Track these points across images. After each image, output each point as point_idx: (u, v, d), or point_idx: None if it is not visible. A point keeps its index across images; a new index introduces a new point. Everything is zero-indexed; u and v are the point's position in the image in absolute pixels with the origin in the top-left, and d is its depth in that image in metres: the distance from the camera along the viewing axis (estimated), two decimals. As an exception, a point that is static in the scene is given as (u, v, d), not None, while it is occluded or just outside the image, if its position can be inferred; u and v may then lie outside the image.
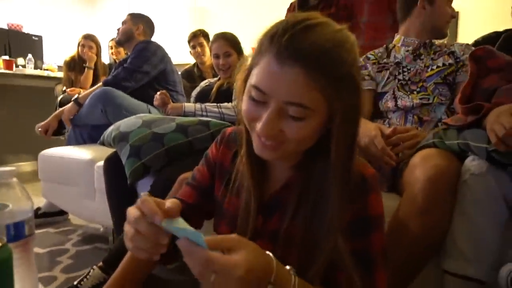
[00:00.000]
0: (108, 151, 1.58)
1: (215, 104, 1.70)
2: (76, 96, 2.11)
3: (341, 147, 0.56)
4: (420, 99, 1.28)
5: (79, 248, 1.68)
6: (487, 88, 0.97)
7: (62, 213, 2.08)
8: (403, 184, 0.98)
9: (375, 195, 0.61)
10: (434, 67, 1.32)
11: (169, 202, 0.51)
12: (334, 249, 0.57)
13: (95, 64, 3.04)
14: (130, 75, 2.00)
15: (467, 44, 1.35)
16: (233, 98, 1.76)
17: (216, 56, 1.82)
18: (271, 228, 0.64)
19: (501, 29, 1.58)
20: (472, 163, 0.90)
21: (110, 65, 3.37)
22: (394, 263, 0.95)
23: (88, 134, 2.10)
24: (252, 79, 0.54)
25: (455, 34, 3.18)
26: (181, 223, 0.48)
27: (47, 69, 3.56)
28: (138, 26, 2.19)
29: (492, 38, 1.49)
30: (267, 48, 0.53)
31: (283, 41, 0.50)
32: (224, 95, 1.78)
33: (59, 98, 2.81)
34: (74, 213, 1.87)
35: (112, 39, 3.42)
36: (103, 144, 1.57)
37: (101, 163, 1.54)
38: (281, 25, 0.53)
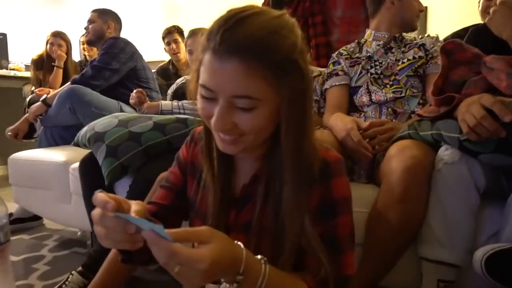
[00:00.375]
0: (82, 152, 1.54)
1: (192, 101, 1.68)
2: (44, 96, 2.04)
3: (290, 132, 0.57)
4: (393, 92, 1.31)
5: (56, 253, 1.63)
6: (457, 80, 1.01)
7: (36, 218, 2.00)
8: (381, 175, 1.01)
9: (340, 178, 0.63)
10: (405, 60, 1.35)
11: (133, 203, 0.52)
12: (301, 234, 0.59)
13: (65, 63, 2.93)
14: (99, 73, 1.94)
15: (437, 37, 1.39)
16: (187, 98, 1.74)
17: (190, 52, 1.81)
18: (244, 220, 0.66)
19: (469, 23, 1.65)
20: (445, 152, 0.93)
21: (80, 62, 3.25)
22: (375, 251, 0.98)
23: (59, 135, 2.02)
24: (200, 79, 0.56)
25: (424, 29, 3.28)
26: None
27: (13, 69, 3.41)
28: (109, 24, 2.12)
29: (460, 36, 1.55)
30: (206, 46, 0.54)
31: (218, 37, 0.51)
32: (201, 92, 1.76)
33: (27, 99, 2.69)
34: (49, 217, 1.81)
35: (83, 35, 3.30)
36: (77, 145, 1.52)
37: (76, 165, 1.49)
38: (217, 22, 0.54)
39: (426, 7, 3.29)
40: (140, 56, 2.12)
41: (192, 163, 0.73)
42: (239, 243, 0.52)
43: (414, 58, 1.35)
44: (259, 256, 0.54)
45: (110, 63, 1.96)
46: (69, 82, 2.04)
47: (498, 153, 0.85)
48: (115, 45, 2.00)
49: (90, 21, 2.11)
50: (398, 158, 0.94)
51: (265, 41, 0.51)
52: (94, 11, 2.16)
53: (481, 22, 1.82)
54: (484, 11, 1.69)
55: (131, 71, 2.04)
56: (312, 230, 0.59)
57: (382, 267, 0.99)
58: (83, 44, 3.35)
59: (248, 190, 0.66)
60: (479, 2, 1.78)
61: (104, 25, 2.11)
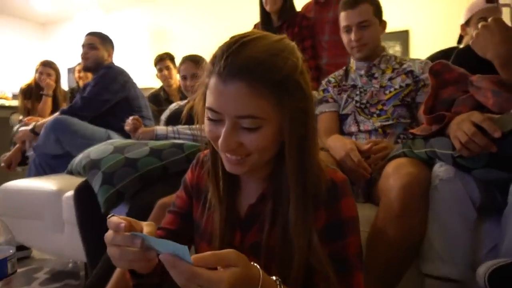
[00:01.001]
0: (74, 180, 1.52)
1: (186, 126, 1.69)
2: (33, 124, 2.02)
3: (293, 150, 0.59)
4: (381, 121, 1.33)
5: (48, 287, 1.57)
6: (447, 99, 1.05)
7: (23, 248, 1.94)
8: (378, 193, 1.03)
9: (347, 199, 0.64)
10: (392, 89, 1.35)
11: (145, 224, 0.53)
12: (310, 253, 0.59)
13: (55, 92, 2.91)
14: (88, 104, 1.92)
15: (427, 62, 1.39)
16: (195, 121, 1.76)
17: (184, 78, 1.84)
18: (251, 241, 0.66)
19: (450, 45, 1.72)
20: (440, 169, 0.96)
21: (72, 89, 3.24)
22: (377, 269, 0.98)
23: (47, 164, 1.99)
24: (206, 102, 0.58)
25: (406, 51, 3.40)
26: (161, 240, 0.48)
27: (0, 98, 3.37)
28: (109, 52, 2.12)
29: (438, 58, 1.61)
30: (211, 71, 0.57)
31: (222, 61, 0.54)
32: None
33: (15, 128, 2.66)
34: (39, 248, 1.76)
35: (80, 63, 3.29)
36: (71, 173, 1.50)
37: (70, 193, 1.47)
38: (220, 47, 0.57)
39: (407, 30, 3.44)
40: (133, 85, 2.11)
41: (197, 186, 0.74)
42: (255, 264, 0.52)
43: (401, 86, 1.34)
44: (274, 277, 0.54)
45: (100, 93, 1.94)
46: (57, 112, 2.03)
47: (490, 168, 0.88)
48: (108, 75, 1.99)
49: (91, 46, 2.06)
50: (395, 175, 0.96)
51: (267, 62, 0.54)
52: (94, 35, 2.10)
53: (457, 42, 1.90)
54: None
55: (123, 101, 2.03)
56: (322, 249, 0.59)
57: (385, 284, 0.99)
58: (79, 72, 3.33)
59: (254, 210, 0.67)
60: (463, 24, 1.84)
61: (105, 53, 2.09)
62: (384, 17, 1.43)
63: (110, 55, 2.13)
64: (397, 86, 1.35)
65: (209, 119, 0.58)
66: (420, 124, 1.28)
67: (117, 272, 0.94)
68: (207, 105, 0.58)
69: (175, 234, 0.74)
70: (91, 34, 2.10)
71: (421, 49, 3.25)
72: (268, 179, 0.66)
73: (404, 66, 1.39)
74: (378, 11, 1.39)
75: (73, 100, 2.02)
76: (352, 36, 1.37)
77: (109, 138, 1.88)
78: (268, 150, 0.60)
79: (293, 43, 0.60)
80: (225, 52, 0.55)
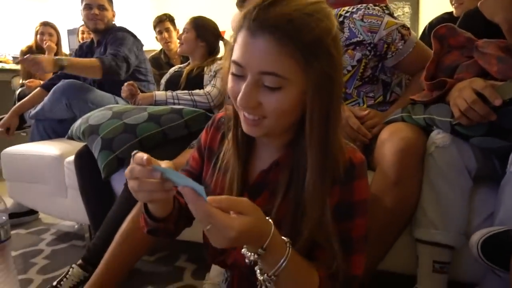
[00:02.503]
0: (77, 145, 1.53)
1: (186, 91, 1.67)
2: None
3: (315, 119, 0.56)
4: (352, 105, 1.23)
5: (54, 247, 1.63)
6: (449, 65, 1.01)
7: (32, 212, 2.00)
8: (375, 160, 1.03)
9: (362, 181, 0.63)
10: (345, 71, 1.16)
11: (163, 163, 0.54)
12: (320, 227, 0.59)
13: (56, 55, 2.87)
14: (122, 63, 1.84)
15: (372, 25, 1.11)
16: (204, 83, 1.73)
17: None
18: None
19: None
20: (437, 136, 0.95)
21: (75, 52, 3.19)
22: (372, 235, 1.00)
23: (52, 129, 1.99)
24: (233, 56, 0.57)
25: (416, 13, 3.25)
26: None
27: (1, 61, 3.34)
28: (113, 11, 2.06)
29: (445, 19, 1.54)
30: (241, 24, 0.56)
31: (253, 14, 0.53)
32: (194, 81, 1.75)
33: (17, 92, 2.65)
34: (45, 211, 1.80)
35: (83, 24, 3.21)
36: (71, 138, 1.52)
37: (71, 158, 1.49)
38: (254, 1, 0.55)
39: (417, -10, 3.27)
40: (142, 48, 2.08)
41: (210, 148, 0.74)
42: (270, 220, 0.54)
43: (353, 66, 1.16)
44: (285, 238, 0.55)
45: (130, 52, 1.89)
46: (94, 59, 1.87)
47: (489, 136, 0.87)
48: (127, 37, 1.94)
49: (102, 7, 1.98)
50: (390, 141, 0.95)
51: (298, 21, 0.52)
52: None
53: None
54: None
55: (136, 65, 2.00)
56: (333, 224, 0.59)
57: (381, 250, 1.00)
58: (83, 33, 3.25)
59: (265, 177, 0.66)
60: None
61: (112, 12, 2.04)
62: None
63: (114, 15, 2.08)
64: (349, 68, 1.17)
65: (232, 74, 0.58)
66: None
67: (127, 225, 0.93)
68: (232, 58, 0.57)
69: None
70: None
71: (433, 10, 3.11)
72: (285, 148, 0.65)
73: (345, 35, 1.14)
74: None
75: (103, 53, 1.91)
76: None
77: (117, 104, 1.87)
78: (286, 115, 0.57)
79: (329, 8, 0.57)
80: (258, 6, 0.54)
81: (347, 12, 1.16)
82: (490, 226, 0.85)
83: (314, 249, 0.61)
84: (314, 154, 0.58)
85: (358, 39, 1.13)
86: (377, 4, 1.18)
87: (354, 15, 1.13)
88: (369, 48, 1.13)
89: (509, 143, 0.86)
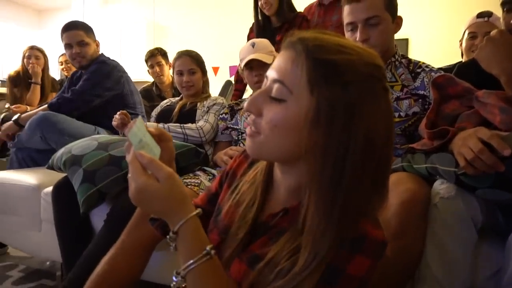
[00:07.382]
0: (56, 176, 1.44)
1: (178, 124, 1.62)
2: (17, 115, 1.92)
3: (325, 159, 0.49)
4: None
5: (22, 286, 1.49)
6: (450, 114, 1.00)
7: (0, 246, 1.85)
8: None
9: (367, 260, 0.51)
10: (396, 115, 1.15)
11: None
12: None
13: (42, 79, 2.82)
14: (78, 97, 1.84)
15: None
16: (196, 118, 1.69)
17: (180, 73, 1.76)
18: (252, 251, 0.59)
19: (448, 53, 1.68)
20: (441, 186, 0.91)
21: (62, 80, 3.17)
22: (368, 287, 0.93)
23: (31, 158, 1.90)
24: None
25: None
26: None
27: (-13, 85, 3.27)
28: (95, 41, 2.03)
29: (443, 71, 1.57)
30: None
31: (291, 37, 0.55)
32: (187, 115, 1.71)
33: (1, 116, 2.57)
34: (15, 245, 1.66)
35: (62, 55, 3.23)
36: (51, 168, 1.42)
37: (49, 189, 1.40)
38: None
39: (407, 39, 3.41)
40: (128, 80, 2.03)
41: (234, 173, 0.72)
42: (197, 210, 0.55)
43: (407, 115, 1.16)
44: (208, 247, 0.53)
45: (93, 88, 1.86)
46: (45, 105, 1.93)
47: (496, 188, 0.83)
48: (101, 70, 1.91)
49: (81, 43, 1.93)
50: (393, 191, 0.90)
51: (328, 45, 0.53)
52: (76, 28, 1.93)
53: (461, 57, 1.87)
54: (469, 50, 1.73)
55: (117, 97, 1.95)
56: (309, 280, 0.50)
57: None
58: (62, 64, 3.27)
59: (270, 221, 0.59)
60: (461, 40, 1.83)
61: (93, 44, 1.99)
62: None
63: (98, 45, 2.04)
64: (402, 114, 1.15)
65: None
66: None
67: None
68: None
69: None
70: (72, 28, 1.94)
71: (421, 58, 3.22)
72: (293, 194, 0.58)
73: (416, 83, 1.19)
74: (390, 4, 1.15)
75: (61, 91, 1.94)
76: (357, 35, 1.12)
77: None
78: (280, 133, 0.52)
79: (375, 55, 0.54)
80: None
81: (426, 66, 1.23)
82: (496, 285, 0.79)
83: None
84: (311, 218, 0.51)
85: (424, 93, 1.17)
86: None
87: (433, 73, 1.18)
88: (426, 105, 1.16)
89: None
